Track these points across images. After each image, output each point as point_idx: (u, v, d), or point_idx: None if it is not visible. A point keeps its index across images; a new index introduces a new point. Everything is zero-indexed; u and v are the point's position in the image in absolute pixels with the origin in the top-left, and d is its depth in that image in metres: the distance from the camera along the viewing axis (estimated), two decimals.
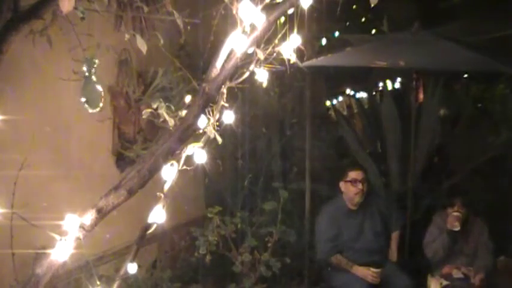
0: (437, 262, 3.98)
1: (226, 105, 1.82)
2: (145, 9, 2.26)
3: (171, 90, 3.62)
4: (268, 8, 1.68)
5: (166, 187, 1.76)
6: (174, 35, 3.11)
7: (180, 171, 1.76)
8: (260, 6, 1.64)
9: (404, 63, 4.47)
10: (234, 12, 1.64)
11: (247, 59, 1.75)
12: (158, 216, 1.75)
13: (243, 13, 1.61)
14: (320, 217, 4.10)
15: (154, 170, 1.68)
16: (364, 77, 7.20)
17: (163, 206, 1.76)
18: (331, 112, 6.80)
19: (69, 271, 2.40)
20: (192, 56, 3.98)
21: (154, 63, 3.62)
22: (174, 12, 2.06)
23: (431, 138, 5.29)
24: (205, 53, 3.10)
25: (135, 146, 3.56)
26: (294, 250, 4.24)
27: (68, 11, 1.50)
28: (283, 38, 1.80)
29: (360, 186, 3.94)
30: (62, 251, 1.51)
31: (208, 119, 1.78)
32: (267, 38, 1.74)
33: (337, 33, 6.40)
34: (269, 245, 3.93)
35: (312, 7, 1.73)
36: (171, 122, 1.84)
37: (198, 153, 1.79)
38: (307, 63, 4.03)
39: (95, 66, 1.83)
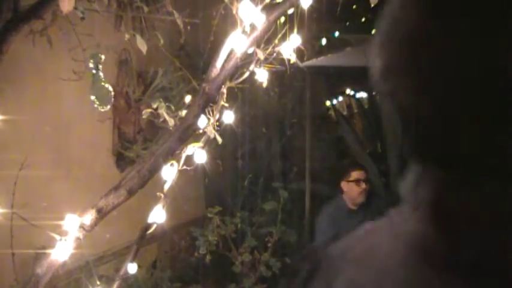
0: None
1: (226, 105, 1.82)
2: (146, 9, 2.26)
3: (171, 90, 3.62)
4: (268, 8, 1.68)
5: (166, 187, 1.76)
6: (174, 35, 3.10)
7: (180, 171, 1.76)
8: (260, 6, 1.65)
9: None
10: (234, 12, 1.64)
11: (247, 59, 1.75)
12: (158, 216, 1.75)
13: (243, 13, 1.61)
14: (320, 217, 4.10)
15: (154, 170, 1.68)
16: (364, 77, 7.18)
17: (163, 206, 1.76)
18: (331, 112, 6.80)
19: (69, 271, 2.39)
20: (192, 56, 3.97)
21: (154, 63, 3.62)
22: (174, 12, 2.06)
23: None
24: (205, 53, 3.10)
25: (135, 146, 3.56)
26: (294, 250, 4.24)
27: (68, 11, 1.51)
28: (283, 38, 1.80)
29: (363, 185, 3.95)
30: (62, 251, 1.52)
31: (208, 119, 1.78)
32: (267, 38, 1.74)
33: (337, 33, 6.39)
34: (269, 245, 3.93)
35: (312, 7, 1.74)
36: (171, 122, 1.84)
37: (198, 153, 1.79)
38: (307, 63, 4.02)
39: (101, 61, 1.83)
